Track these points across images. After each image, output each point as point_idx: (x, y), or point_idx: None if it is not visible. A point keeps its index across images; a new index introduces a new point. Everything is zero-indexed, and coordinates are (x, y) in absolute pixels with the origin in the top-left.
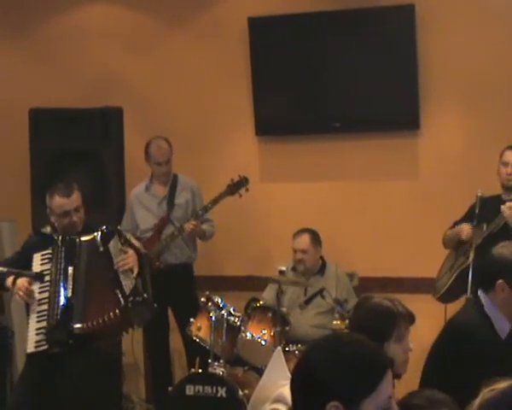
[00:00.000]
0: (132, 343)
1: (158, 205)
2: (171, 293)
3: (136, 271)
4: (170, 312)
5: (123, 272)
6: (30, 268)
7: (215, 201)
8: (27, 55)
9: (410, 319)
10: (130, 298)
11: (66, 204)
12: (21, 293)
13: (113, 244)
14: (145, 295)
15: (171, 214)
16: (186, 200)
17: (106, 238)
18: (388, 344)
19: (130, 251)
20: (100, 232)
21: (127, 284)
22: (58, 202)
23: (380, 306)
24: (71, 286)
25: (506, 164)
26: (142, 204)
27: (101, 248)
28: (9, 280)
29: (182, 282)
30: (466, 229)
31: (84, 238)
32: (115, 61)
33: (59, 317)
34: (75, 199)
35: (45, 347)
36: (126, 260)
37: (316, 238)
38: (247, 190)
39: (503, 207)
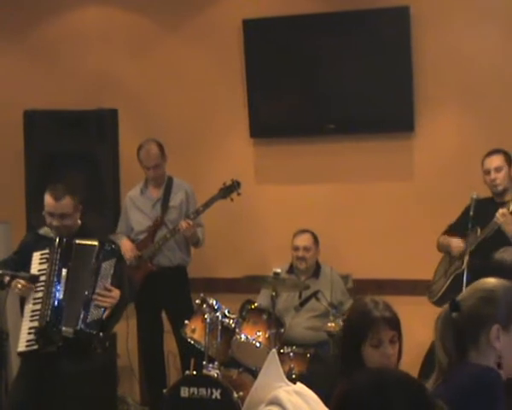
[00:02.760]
0: (127, 346)
1: (152, 207)
2: (164, 295)
3: (106, 314)
4: (164, 314)
5: (97, 303)
6: (29, 267)
7: (206, 204)
8: (22, 57)
9: (391, 324)
10: (87, 327)
11: (52, 206)
12: (20, 286)
13: (107, 266)
14: (100, 334)
15: (165, 217)
16: (180, 202)
17: (104, 255)
18: (364, 347)
19: (115, 292)
20: (102, 244)
21: (93, 313)
22: (47, 200)
23: (360, 307)
24: (63, 288)
25: (488, 172)
26: (137, 206)
27: (94, 262)
28: (5, 281)
29: (176, 284)
30: (456, 246)
31: (82, 241)
32: (110, 63)
33: (49, 318)
34: (63, 205)
35: (35, 347)
36: (105, 299)
37: (316, 240)
38: (238, 194)
39: (496, 214)
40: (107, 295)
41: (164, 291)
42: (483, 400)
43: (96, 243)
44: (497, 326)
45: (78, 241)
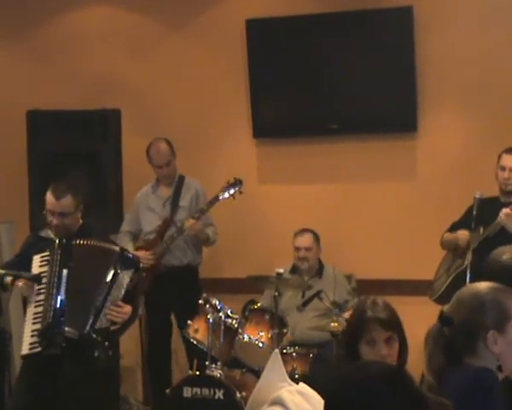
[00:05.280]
0: (130, 345)
1: (162, 206)
2: (174, 296)
3: (115, 327)
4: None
5: (109, 317)
6: (30, 270)
7: (210, 203)
8: (25, 57)
9: (385, 325)
10: (94, 333)
11: (53, 205)
12: (21, 284)
13: (124, 276)
14: (106, 343)
15: (174, 216)
16: (190, 201)
17: (123, 263)
18: (361, 346)
19: (127, 308)
20: (123, 251)
21: (103, 321)
22: (48, 198)
23: (359, 307)
24: (64, 289)
25: (503, 168)
26: (148, 205)
27: (112, 268)
28: (8, 282)
29: (186, 285)
30: (463, 236)
31: (99, 244)
32: (114, 63)
33: (50, 320)
34: (63, 204)
35: (39, 349)
36: (118, 315)
37: (317, 239)
38: (240, 192)
39: (500, 214)
40: (121, 311)
41: (174, 291)
42: (480, 399)
43: (116, 248)
44: (493, 332)
45: (93, 242)
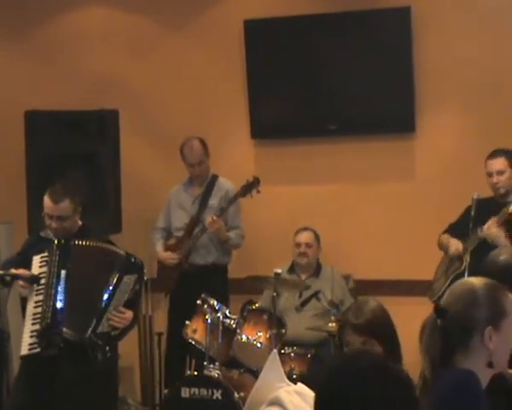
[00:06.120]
0: (128, 346)
1: (192, 204)
2: (198, 296)
3: (115, 333)
4: None
5: (112, 323)
6: (30, 270)
7: (230, 202)
8: (24, 57)
9: (357, 330)
10: (96, 337)
11: (51, 209)
12: (20, 283)
13: (128, 281)
14: (107, 348)
15: (201, 215)
16: (219, 201)
17: (127, 267)
18: (344, 348)
19: (128, 313)
20: (128, 255)
21: (104, 325)
22: (46, 202)
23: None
24: (63, 290)
25: (490, 174)
26: (179, 203)
27: (116, 272)
28: (9, 279)
29: (212, 285)
30: (455, 247)
31: (104, 246)
32: (112, 64)
33: (49, 320)
34: (62, 208)
35: (38, 350)
36: (118, 320)
37: (318, 238)
38: (258, 191)
39: (483, 228)
40: (122, 317)
41: (198, 291)
42: (464, 401)
43: (121, 251)
44: (490, 328)
45: (96, 243)
